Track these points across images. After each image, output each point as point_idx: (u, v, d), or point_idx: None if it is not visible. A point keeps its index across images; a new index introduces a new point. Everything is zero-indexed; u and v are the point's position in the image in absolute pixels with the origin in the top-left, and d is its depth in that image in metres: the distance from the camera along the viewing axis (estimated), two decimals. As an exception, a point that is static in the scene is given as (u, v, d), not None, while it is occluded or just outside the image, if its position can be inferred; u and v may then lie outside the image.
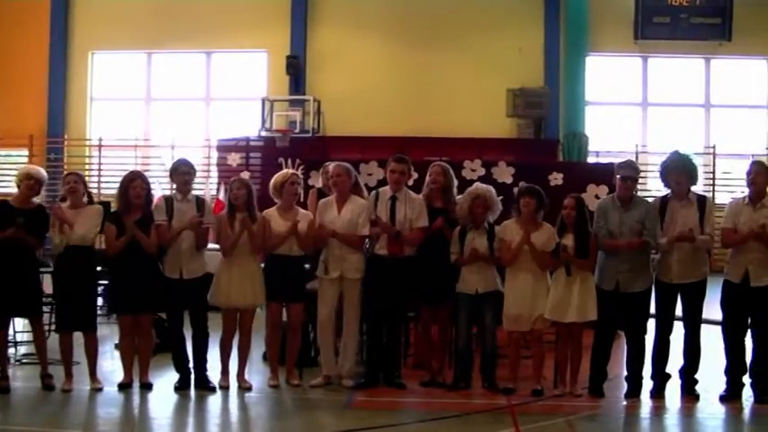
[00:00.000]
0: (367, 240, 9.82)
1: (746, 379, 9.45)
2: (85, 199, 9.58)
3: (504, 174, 14.33)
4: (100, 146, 26.06)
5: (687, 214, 9.43)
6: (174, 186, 9.88)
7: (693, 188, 9.68)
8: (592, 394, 9.46)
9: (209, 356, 9.66)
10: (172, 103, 27.45)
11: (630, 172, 9.65)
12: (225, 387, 9.53)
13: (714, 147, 24.84)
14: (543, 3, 26.15)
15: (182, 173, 9.67)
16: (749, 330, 9.43)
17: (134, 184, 9.42)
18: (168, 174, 10.00)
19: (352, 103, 25.25)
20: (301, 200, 10.19)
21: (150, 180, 9.79)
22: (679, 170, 9.55)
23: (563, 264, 9.33)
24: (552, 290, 9.37)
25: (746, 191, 9.58)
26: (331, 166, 10.10)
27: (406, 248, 9.61)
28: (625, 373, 9.68)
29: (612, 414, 9.11)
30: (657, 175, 9.84)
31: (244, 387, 9.56)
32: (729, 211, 9.65)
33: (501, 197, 9.93)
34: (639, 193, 9.69)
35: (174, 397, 9.31)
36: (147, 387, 9.45)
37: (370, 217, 9.64)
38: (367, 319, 9.88)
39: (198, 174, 10.40)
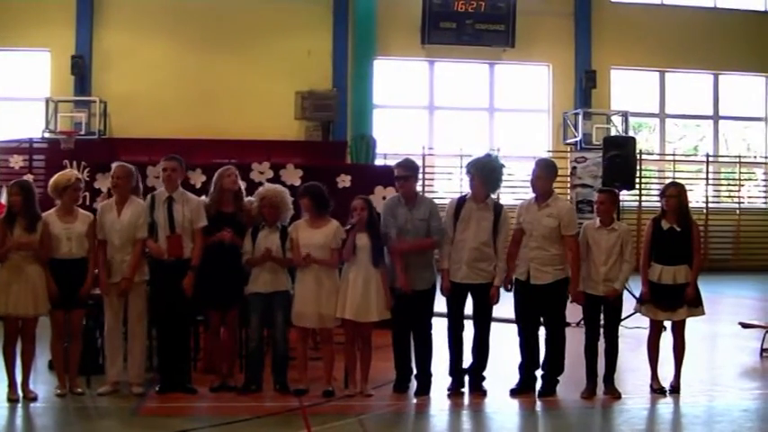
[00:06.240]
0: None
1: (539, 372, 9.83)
2: None
3: (293, 176, 14.31)
4: None
5: (482, 217, 9.66)
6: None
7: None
8: (395, 391, 9.68)
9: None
10: (-52, 102, 26.25)
11: (401, 171, 9.80)
12: (13, 399, 9.15)
13: (498, 150, 25.46)
14: (332, 6, 26.49)
15: None
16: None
17: None
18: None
19: (139, 104, 24.99)
20: (86, 203, 9.90)
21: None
22: (480, 175, 9.74)
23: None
24: (351, 292, 9.40)
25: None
26: (113, 166, 9.87)
27: (185, 250, 9.50)
28: (415, 371, 9.85)
29: (403, 412, 9.26)
30: (444, 177, 10.05)
31: (29, 397, 9.22)
32: (517, 212, 9.96)
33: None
34: (427, 195, 9.83)
35: (-48, 411, 8.95)
36: None
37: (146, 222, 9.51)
38: (156, 324, 9.74)
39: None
